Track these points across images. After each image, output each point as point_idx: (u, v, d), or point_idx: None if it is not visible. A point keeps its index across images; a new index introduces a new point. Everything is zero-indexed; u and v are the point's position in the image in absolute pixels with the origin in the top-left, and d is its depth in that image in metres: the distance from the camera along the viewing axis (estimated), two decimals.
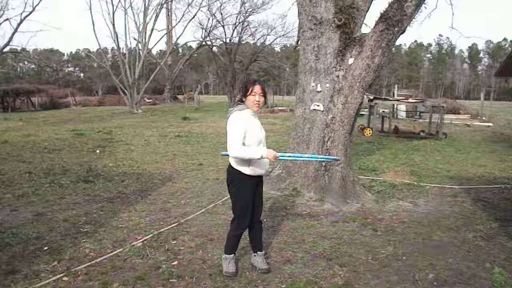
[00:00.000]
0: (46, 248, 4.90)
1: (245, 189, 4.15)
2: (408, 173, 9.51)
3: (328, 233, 5.60)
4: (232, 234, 4.33)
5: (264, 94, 4.09)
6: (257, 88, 4.01)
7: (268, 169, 4.18)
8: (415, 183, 8.55)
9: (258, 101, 4.03)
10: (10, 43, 35.86)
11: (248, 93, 4.02)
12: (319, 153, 7.33)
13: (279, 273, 4.36)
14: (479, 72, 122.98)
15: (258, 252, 4.49)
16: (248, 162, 4.06)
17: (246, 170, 4.08)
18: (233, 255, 4.36)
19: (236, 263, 4.43)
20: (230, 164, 4.18)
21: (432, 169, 10.39)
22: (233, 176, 4.17)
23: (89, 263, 4.46)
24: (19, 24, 34.95)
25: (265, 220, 5.71)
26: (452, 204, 7.25)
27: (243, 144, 3.95)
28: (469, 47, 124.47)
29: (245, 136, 3.95)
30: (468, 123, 25.00)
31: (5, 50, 36.55)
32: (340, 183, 7.21)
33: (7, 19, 35.58)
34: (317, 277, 4.28)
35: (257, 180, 4.25)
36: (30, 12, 34.98)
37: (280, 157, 4.12)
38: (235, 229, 4.30)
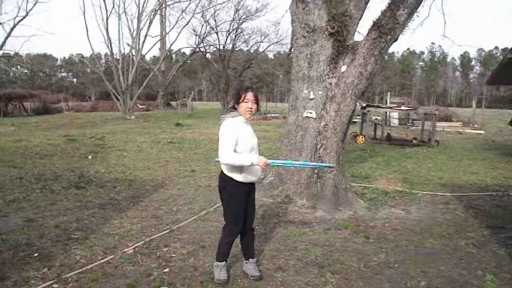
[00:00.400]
0: (36, 254, 4.86)
1: (237, 196, 4.14)
2: (400, 180, 9.53)
3: (320, 240, 5.60)
4: (224, 241, 4.31)
5: (257, 101, 4.09)
6: (250, 95, 4.01)
7: (260, 176, 4.18)
8: (408, 190, 8.57)
9: (251, 108, 4.03)
10: (3, 48, 35.70)
11: (241, 100, 4.02)
12: (312, 160, 7.33)
13: (271, 281, 4.34)
14: (471, 80, 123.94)
15: (250, 260, 4.47)
16: (240, 169, 4.05)
17: (238, 177, 4.07)
18: (224, 262, 4.34)
19: (228, 271, 4.41)
20: (222, 171, 4.18)
21: (424, 176, 10.42)
22: (225, 183, 4.16)
23: (79, 270, 4.43)
24: (12, 29, 34.79)
25: (257, 227, 5.70)
26: (444, 211, 7.27)
27: (235, 151, 3.95)
28: (461, 55, 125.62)
29: (237, 143, 3.96)
30: (460, 130, 25.14)
31: None
32: (333, 190, 7.21)
33: (0, 24, 35.48)
34: (309, 284, 4.27)
35: (249, 187, 4.23)
36: (24, 17, 34.83)
37: (271, 164, 4.10)
38: (226, 236, 4.28)
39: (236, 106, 4.08)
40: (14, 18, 34.49)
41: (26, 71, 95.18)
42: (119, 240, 5.43)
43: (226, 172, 4.12)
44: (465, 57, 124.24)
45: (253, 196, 4.39)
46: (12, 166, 10.37)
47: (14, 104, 39.78)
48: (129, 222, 6.17)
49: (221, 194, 4.26)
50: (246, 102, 4.01)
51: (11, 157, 11.73)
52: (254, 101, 4.04)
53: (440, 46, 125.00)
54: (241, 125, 4.05)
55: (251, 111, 4.04)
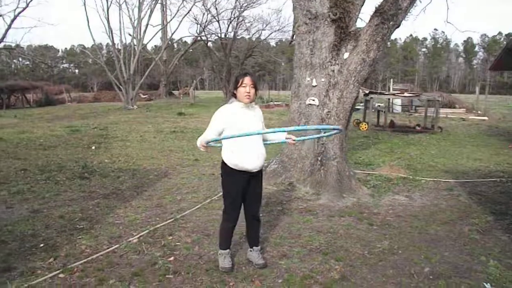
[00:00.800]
0: (42, 245, 4.89)
1: (230, 183, 4.18)
2: (403, 167, 9.53)
3: (324, 227, 5.61)
4: (222, 226, 4.37)
5: (255, 86, 4.08)
6: (247, 80, 4.02)
7: (258, 165, 4.12)
8: (411, 177, 8.57)
9: (249, 93, 4.01)
10: (4, 40, 35.64)
11: (239, 85, 4.04)
12: (315, 148, 7.34)
13: (276, 268, 4.36)
14: (474, 66, 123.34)
15: (254, 247, 4.47)
16: (232, 154, 4.08)
17: (230, 163, 4.10)
18: (228, 250, 4.36)
19: (232, 258, 4.43)
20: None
21: (428, 163, 10.41)
22: (222, 169, 4.23)
23: (85, 260, 4.45)
24: (12, 20, 34.68)
25: (261, 215, 5.70)
26: (448, 198, 7.27)
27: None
28: (464, 41, 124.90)
29: (225, 129, 4.06)
30: (463, 117, 25.08)
31: None
32: (336, 177, 7.22)
33: (0, 15, 35.42)
34: (313, 271, 4.28)
35: (247, 176, 4.16)
36: (24, 8, 34.66)
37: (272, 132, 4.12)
38: (224, 221, 4.33)
39: (235, 92, 4.11)
40: (15, 10, 34.39)
41: (27, 62, 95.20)
42: (123, 229, 5.45)
43: (223, 157, 4.17)
44: (468, 43, 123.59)
45: (257, 186, 4.32)
46: (16, 157, 10.40)
47: (17, 96, 39.85)
48: (134, 212, 6.20)
49: (221, 179, 4.32)
50: (244, 86, 4.01)
51: (14, 148, 11.76)
52: (252, 86, 4.03)
53: (443, 32, 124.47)
54: (236, 110, 4.07)
55: (249, 95, 4.02)
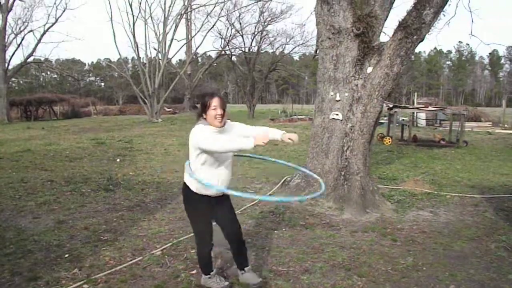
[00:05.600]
0: (67, 255, 4.97)
1: (193, 208, 3.93)
2: (428, 182, 9.41)
3: (347, 243, 5.57)
4: (197, 255, 4.20)
5: (224, 107, 3.70)
6: (216, 101, 3.64)
7: (221, 190, 3.76)
8: (435, 192, 8.46)
9: (220, 115, 3.64)
10: (34, 54, 36.67)
11: (207, 108, 3.65)
12: (338, 162, 7.31)
13: (298, 283, 4.34)
14: (501, 79, 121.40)
15: (246, 268, 4.15)
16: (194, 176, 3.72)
17: (193, 186, 3.82)
18: (213, 271, 4.19)
19: (222, 275, 4.38)
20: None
21: (453, 178, 10.26)
22: (183, 191, 3.95)
23: (109, 271, 4.51)
24: (42, 35, 35.83)
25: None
26: (474, 213, 7.15)
27: (200, 164, 3.75)
28: (489, 53, 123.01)
29: (200, 154, 3.70)
30: (489, 130, 24.67)
31: (28, 60, 37.39)
32: (360, 192, 7.17)
33: (31, 31, 36.53)
34: (336, 287, 4.26)
35: (212, 199, 3.88)
36: (53, 24, 35.92)
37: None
38: (197, 250, 4.19)
39: (204, 116, 3.71)
40: (44, 25, 35.50)
41: (55, 76, 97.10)
42: (147, 242, 5.50)
43: (185, 178, 3.91)
44: (494, 55, 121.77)
45: (226, 207, 4.07)
46: (43, 169, 10.60)
47: (44, 109, 40.79)
48: (157, 224, 6.25)
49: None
50: (214, 109, 3.63)
51: (42, 160, 12.00)
52: (222, 107, 3.66)
53: (467, 44, 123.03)
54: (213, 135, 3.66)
55: (221, 117, 3.66)
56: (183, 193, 3.91)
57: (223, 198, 3.98)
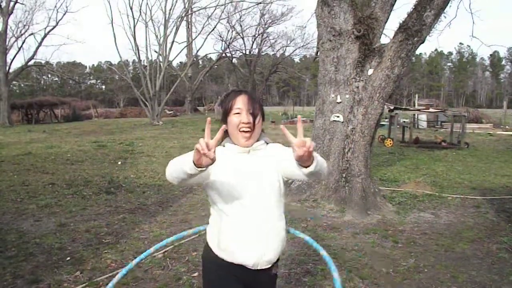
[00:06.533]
0: (68, 258, 4.97)
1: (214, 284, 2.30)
2: (429, 183, 9.41)
3: (348, 244, 5.57)
4: None
5: (255, 111, 2.20)
6: (242, 101, 2.20)
7: (268, 257, 2.26)
8: (437, 194, 8.46)
9: (247, 124, 2.17)
10: (35, 57, 36.76)
11: (229, 113, 2.23)
12: (339, 164, 7.32)
13: (300, 285, 4.34)
14: (502, 80, 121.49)
15: None
16: (217, 233, 2.28)
17: (215, 246, 2.29)
18: None
19: None
20: None
21: (454, 179, 10.26)
22: (203, 257, 2.43)
23: (110, 274, 4.51)
24: (43, 38, 35.88)
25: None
26: (475, 215, 7.14)
27: (212, 203, 2.38)
28: (490, 55, 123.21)
29: (210, 181, 2.23)
30: (490, 132, 24.68)
31: (29, 63, 37.48)
32: (361, 194, 7.17)
33: (32, 34, 36.60)
34: None
35: (244, 274, 2.24)
36: (54, 27, 35.94)
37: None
38: None
39: (225, 127, 2.10)
40: (45, 28, 35.59)
41: (56, 79, 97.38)
42: (148, 244, 5.50)
43: (207, 237, 2.40)
44: (494, 57, 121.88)
45: None
46: (44, 172, 10.61)
47: (45, 112, 40.82)
48: (159, 227, 6.25)
49: None
50: (236, 113, 2.19)
51: (43, 163, 12.00)
52: (250, 111, 2.18)
53: (468, 46, 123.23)
54: (230, 158, 2.22)
55: (248, 128, 2.18)
56: (202, 258, 2.44)
57: (267, 277, 2.35)
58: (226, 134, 2.26)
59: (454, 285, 4.38)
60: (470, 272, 4.73)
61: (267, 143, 2.34)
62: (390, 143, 17.70)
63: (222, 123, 2.17)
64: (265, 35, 39.43)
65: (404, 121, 23.06)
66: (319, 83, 7.92)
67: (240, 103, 2.19)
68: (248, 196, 2.18)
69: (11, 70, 35.82)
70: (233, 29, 38.47)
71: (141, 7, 35.40)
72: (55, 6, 46.34)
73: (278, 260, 2.40)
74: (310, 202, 7.34)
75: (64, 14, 38.12)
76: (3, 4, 32.96)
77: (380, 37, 7.43)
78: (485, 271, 4.76)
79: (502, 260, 5.11)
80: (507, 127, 27.19)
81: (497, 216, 7.03)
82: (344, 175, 7.31)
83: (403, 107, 25.31)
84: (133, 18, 33.22)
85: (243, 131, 2.18)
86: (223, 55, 41.83)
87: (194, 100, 54.02)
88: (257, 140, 2.27)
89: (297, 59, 74.73)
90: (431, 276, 4.60)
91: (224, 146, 2.28)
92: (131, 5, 32.37)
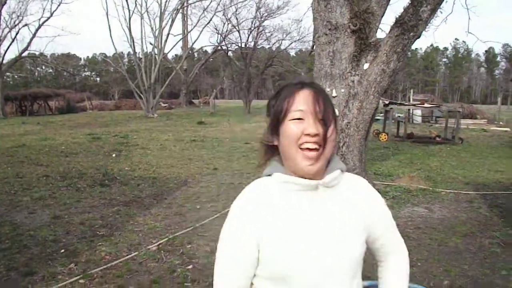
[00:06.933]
0: (62, 250, 4.97)
1: None
2: (423, 178, 9.44)
3: None
4: None
5: (327, 116, 1.29)
6: (304, 99, 1.29)
7: None
8: (431, 188, 8.49)
9: (314, 135, 1.26)
10: (29, 48, 36.54)
11: (284, 119, 1.30)
12: None
13: None
14: (496, 77, 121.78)
15: None
16: None
17: None
18: None
19: None
20: None
21: (448, 174, 10.30)
22: None
23: (105, 266, 4.51)
24: (37, 30, 35.70)
25: None
26: (468, 210, 7.18)
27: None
28: (485, 51, 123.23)
29: (261, 260, 1.33)
30: (485, 128, 24.76)
31: (23, 54, 37.24)
32: None
33: (26, 25, 36.37)
34: None
35: None
36: (48, 18, 35.75)
37: None
38: None
39: (275, 142, 1.36)
40: (39, 19, 35.35)
41: (50, 70, 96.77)
42: (143, 237, 5.51)
43: None
44: (490, 53, 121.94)
45: None
46: (38, 164, 10.58)
47: (40, 103, 40.59)
48: (153, 220, 6.25)
49: None
50: (296, 120, 1.28)
51: (37, 155, 11.96)
52: (320, 116, 1.28)
53: (464, 42, 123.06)
54: (280, 204, 1.34)
55: (315, 144, 1.28)
56: None
57: None
58: (271, 152, 1.42)
59: (447, 278, 4.40)
60: (463, 266, 4.76)
61: (343, 171, 1.45)
62: (385, 138, 17.72)
63: (269, 137, 1.38)
64: (261, 28, 39.39)
65: (399, 116, 23.09)
66: (314, 77, 7.90)
67: (302, 102, 1.28)
68: (318, 273, 1.31)
69: (4, 61, 35.64)
70: (229, 22, 38.45)
71: None
72: None
73: None
74: None
75: (58, 5, 37.97)
76: None
77: (376, 32, 7.42)
78: (477, 265, 4.79)
79: (494, 254, 5.14)
80: (501, 123, 27.29)
81: (490, 211, 7.07)
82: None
83: (398, 102, 25.36)
84: (128, 10, 33.15)
85: (307, 148, 1.27)
86: (219, 48, 41.74)
87: (189, 93, 53.95)
88: (327, 165, 1.39)
89: (293, 53, 74.76)
90: (424, 270, 4.63)
91: (270, 176, 1.39)
92: None
